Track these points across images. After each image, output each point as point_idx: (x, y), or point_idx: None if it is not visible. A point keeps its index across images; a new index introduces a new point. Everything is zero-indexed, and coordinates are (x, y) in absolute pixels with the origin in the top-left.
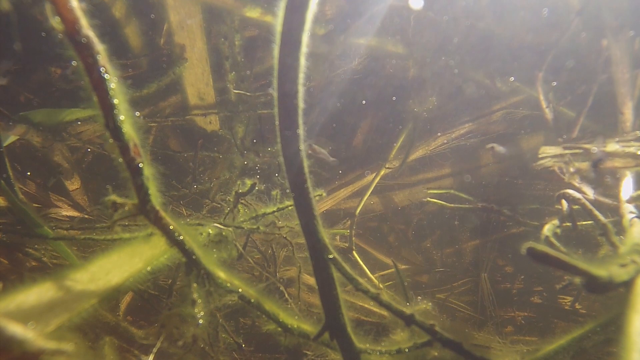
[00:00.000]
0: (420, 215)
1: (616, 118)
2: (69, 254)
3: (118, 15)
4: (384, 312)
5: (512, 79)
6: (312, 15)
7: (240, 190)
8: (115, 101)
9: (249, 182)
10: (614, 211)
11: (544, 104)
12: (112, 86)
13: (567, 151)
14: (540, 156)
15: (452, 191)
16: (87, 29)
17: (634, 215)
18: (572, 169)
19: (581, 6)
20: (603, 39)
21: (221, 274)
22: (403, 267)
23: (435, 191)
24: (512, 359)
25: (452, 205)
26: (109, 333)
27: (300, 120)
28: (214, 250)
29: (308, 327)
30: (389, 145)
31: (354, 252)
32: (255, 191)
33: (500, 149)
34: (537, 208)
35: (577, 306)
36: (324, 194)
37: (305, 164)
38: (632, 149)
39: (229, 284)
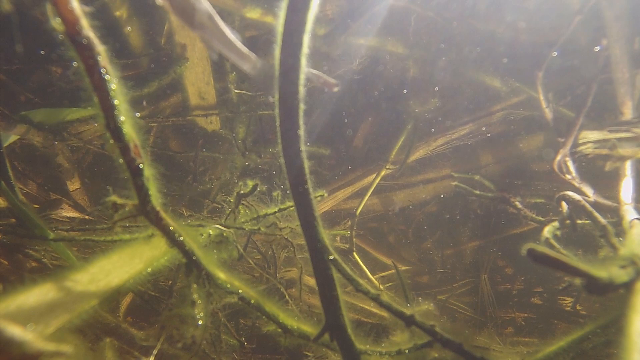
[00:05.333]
0: (420, 215)
1: (616, 118)
2: (69, 255)
3: (119, 15)
4: (384, 313)
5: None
6: (313, 15)
7: (242, 191)
8: (116, 102)
9: (251, 183)
10: (614, 212)
11: (544, 104)
12: (112, 87)
13: (612, 135)
14: (580, 142)
15: (477, 177)
16: (87, 30)
17: (634, 216)
18: (616, 156)
19: (580, 5)
20: (603, 38)
21: (221, 275)
22: (403, 267)
23: (460, 175)
24: None
25: (478, 192)
26: (109, 334)
27: (301, 121)
28: (215, 251)
29: (308, 328)
30: (390, 146)
31: (354, 253)
32: (257, 192)
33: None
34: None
35: (578, 307)
36: (326, 195)
37: (306, 164)
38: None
39: (229, 285)
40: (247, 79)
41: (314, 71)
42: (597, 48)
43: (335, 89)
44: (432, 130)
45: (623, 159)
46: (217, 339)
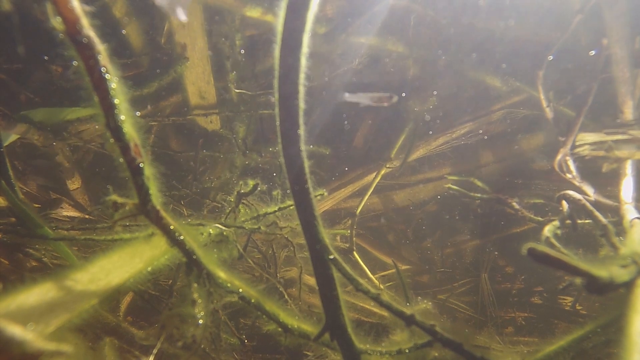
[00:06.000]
0: (420, 215)
1: (616, 117)
2: (70, 255)
3: (119, 14)
4: (384, 313)
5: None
6: (313, 15)
7: (242, 191)
8: (116, 101)
9: (251, 183)
10: (615, 212)
11: (544, 103)
12: (112, 86)
13: (609, 137)
14: (577, 144)
15: (472, 179)
16: (88, 29)
17: (634, 216)
18: (613, 158)
19: (581, 5)
20: (603, 38)
21: (222, 274)
22: (403, 267)
23: (454, 177)
24: None
25: (472, 194)
26: (109, 333)
27: (301, 121)
28: (215, 250)
29: (308, 328)
30: (390, 145)
31: (355, 253)
32: (257, 191)
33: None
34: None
35: (578, 307)
36: (325, 194)
37: (306, 164)
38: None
39: (229, 284)
40: (246, 79)
41: (366, 94)
42: (592, 52)
43: (395, 99)
44: (431, 131)
45: (620, 160)
46: (217, 337)
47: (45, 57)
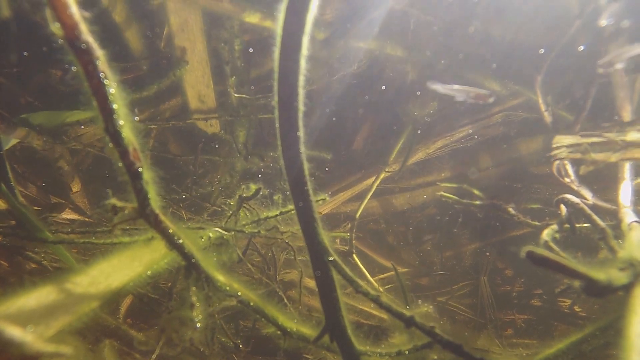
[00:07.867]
0: (420, 218)
1: (613, 121)
2: (69, 258)
3: (119, 19)
4: (384, 315)
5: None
6: (312, 18)
7: (244, 195)
8: (115, 106)
9: (253, 187)
10: (613, 215)
11: (542, 107)
12: (111, 91)
13: (584, 140)
14: (554, 146)
15: (464, 186)
16: (86, 35)
17: (632, 219)
18: (589, 160)
19: (580, 9)
20: (602, 41)
21: (220, 277)
22: (403, 270)
23: (448, 185)
24: None
25: (464, 200)
26: (109, 336)
27: (301, 123)
28: (215, 253)
29: (307, 330)
30: (389, 149)
31: (354, 256)
32: (258, 195)
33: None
34: (539, 208)
35: (577, 309)
36: (327, 198)
37: (306, 167)
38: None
39: (228, 288)
40: (246, 83)
41: (462, 87)
42: (581, 48)
43: (491, 100)
44: (430, 134)
45: (596, 163)
46: (215, 340)
47: (26, 53)
